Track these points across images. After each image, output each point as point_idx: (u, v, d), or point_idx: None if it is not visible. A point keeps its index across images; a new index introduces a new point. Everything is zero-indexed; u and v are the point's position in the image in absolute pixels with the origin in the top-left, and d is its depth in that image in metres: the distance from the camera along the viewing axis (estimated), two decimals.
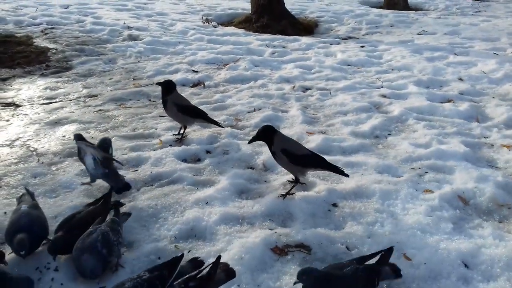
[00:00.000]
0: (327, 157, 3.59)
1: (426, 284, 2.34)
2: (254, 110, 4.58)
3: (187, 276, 2.05)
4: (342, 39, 8.09)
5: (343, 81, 5.59)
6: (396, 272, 2.28)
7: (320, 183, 3.23)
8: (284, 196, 3.02)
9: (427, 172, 3.42)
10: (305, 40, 7.69)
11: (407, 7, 11.53)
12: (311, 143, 3.86)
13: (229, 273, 2.18)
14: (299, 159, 3.02)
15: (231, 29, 8.40)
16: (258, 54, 6.70)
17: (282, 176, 3.33)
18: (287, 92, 5.16)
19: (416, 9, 11.71)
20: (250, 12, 9.01)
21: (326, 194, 3.07)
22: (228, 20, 9.23)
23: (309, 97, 5.05)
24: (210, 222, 2.74)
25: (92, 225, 2.39)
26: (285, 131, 4.12)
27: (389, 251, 2.26)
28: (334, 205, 3.00)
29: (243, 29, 8.41)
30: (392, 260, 2.39)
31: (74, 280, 2.27)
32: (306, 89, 5.34)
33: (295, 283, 2.10)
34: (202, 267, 2.12)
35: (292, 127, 4.21)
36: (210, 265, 2.08)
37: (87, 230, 2.36)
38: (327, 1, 12.01)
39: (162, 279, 2.01)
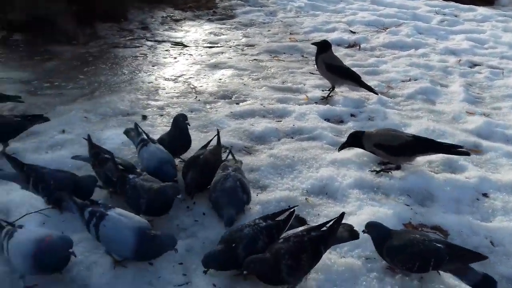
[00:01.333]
0: (485, 142, 3.26)
1: None
2: (410, 80, 4.29)
3: (310, 226, 2.08)
4: None
5: None
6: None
7: (472, 169, 2.93)
8: (378, 172, 2.84)
9: None
10: (482, 10, 6.83)
11: None
12: (470, 124, 3.50)
13: (353, 234, 2.14)
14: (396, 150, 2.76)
15: None
16: (424, 21, 6.18)
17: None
18: (451, 65, 4.69)
19: None
20: None
21: (477, 181, 2.78)
22: None
23: (477, 74, 4.54)
24: (344, 184, 2.70)
25: (219, 169, 2.50)
26: (441, 107, 3.81)
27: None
28: (485, 195, 2.71)
29: None
30: None
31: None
32: (474, 65, 4.80)
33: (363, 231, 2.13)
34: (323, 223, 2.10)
35: (450, 104, 3.85)
36: (334, 220, 2.06)
37: (216, 170, 2.51)
38: None
39: (278, 229, 2.09)
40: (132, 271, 2.02)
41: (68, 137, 3.02)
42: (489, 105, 3.89)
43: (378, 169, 2.89)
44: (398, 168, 2.87)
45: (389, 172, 2.85)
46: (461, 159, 3.02)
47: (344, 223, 2.15)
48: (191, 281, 2.01)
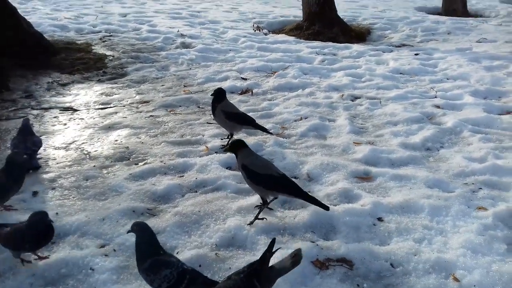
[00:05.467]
0: (374, 169, 3.54)
1: None
2: (301, 119, 4.55)
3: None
4: (396, 46, 7.88)
5: (395, 90, 5.44)
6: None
7: (365, 196, 3.14)
8: (251, 223, 2.81)
9: (481, 188, 3.24)
10: (356, 47, 7.56)
11: (466, 14, 11.05)
12: (358, 153, 3.78)
13: (295, 260, 2.11)
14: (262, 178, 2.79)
15: (281, 36, 8.42)
16: (308, 62, 6.66)
17: (326, 187, 3.28)
18: (335, 100, 5.08)
19: (476, 15, 11.20)
20: (302, 19, 8.99)
21: (371, 207, 2.98)
22: (279, 28, 9.25)
23: (358, 106, 4.95)
24: (252, 231, 2.74)
25: None
26: (331, 141, 4.07)
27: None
28: (380, 219, 2.91)
29: (293, 37, 8.40)
30: (439, 279, 2.30)
31: None
32: (355, 98, 5.24)
33: (128, 232, 2.25)
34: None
35: (338, 137, 4.14)
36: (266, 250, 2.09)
37: None
38: (382, 7, 11.76)
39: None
40: None
41: None
42: (372, 134, 4.25)
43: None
44: (264, 202, 2.87)
45: (264, 219, 2.84)
46: (355, 188, 3.23)
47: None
48: None
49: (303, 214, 2.93)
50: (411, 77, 6.01)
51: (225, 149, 3.10)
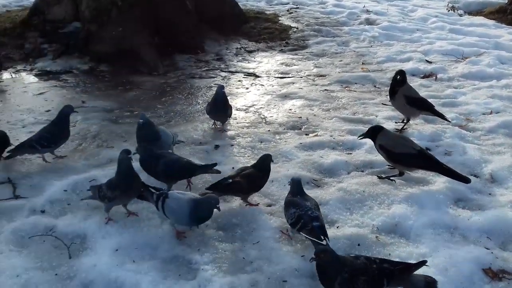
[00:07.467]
0: None
1: None
2: (491, 113, 4.06)
3: (387, 259, 2.10)
4: None
5: None
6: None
7: None
8: (382, 178, 3.03)
9: None
10: None
11: None
12: None
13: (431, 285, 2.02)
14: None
15: (479, 19, 7.54)
16: (508, 50, 5.84)
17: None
18: None
19: None
20: (506, 1, 7.88)
21: None
22: (478, 9, 8.29)
23: None
24: (418, 223, 2.59)
25: None
26: None
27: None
28: None
29: (494, 20, 7.45)
30: None
31: None
32: None
33: (311, 259, 2.03)
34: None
35: None
36: (413, 264, 2.04)
37: None
38: None
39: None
40: None
41: None
42: None
43: (383, 175, 3.03)
44: (401, 174, 3.04)
45: (393, 181, 3.01)
46: None
47: (428, 276, 2.05)
48: None
49: (479, 216, 2.64)
50: None
51: (360, 136, 3.15)
